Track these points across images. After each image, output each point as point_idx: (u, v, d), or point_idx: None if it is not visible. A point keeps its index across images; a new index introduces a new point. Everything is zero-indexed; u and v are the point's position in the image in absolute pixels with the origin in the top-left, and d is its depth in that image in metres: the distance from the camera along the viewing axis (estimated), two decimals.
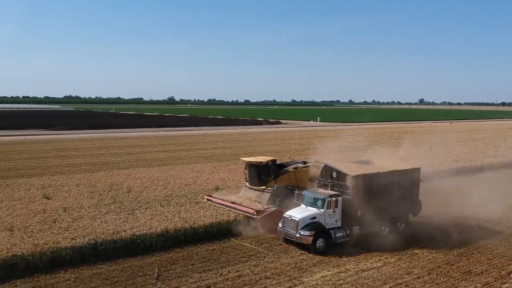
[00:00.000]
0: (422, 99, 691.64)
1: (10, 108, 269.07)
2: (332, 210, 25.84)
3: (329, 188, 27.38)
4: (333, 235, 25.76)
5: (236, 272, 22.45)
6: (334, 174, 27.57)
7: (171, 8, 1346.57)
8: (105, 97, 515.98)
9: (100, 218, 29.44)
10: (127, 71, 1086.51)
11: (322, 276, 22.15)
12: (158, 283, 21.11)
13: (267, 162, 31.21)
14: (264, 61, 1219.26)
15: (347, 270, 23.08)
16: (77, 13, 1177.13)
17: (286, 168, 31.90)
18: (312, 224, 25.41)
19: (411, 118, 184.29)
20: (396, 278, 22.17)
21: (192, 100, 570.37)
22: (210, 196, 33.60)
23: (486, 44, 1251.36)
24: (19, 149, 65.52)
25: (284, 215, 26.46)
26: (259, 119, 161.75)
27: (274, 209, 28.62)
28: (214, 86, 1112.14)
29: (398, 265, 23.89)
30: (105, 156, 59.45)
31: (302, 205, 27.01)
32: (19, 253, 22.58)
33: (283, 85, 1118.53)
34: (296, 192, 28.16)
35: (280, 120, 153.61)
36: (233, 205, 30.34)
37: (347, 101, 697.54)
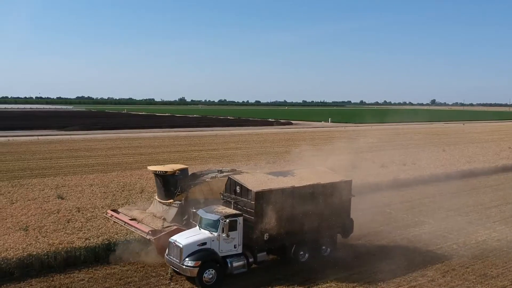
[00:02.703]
0: (434, 100, 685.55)
1: (24, 108, 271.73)
2: (225, 235, 21.05)
3: (232, 206, 22.86)
4: (229, 265, 21.23)
5: None
6: (238, 189, 23.02)
7: (182, 8, 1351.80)
8: (117, 98, 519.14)
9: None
10: (138, 72, 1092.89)
11: (336, 279, 22.05)
12: (172, 283, 21.19)
13: (174, 171, 25.94)
14: (275, 61, 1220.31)
15: (360, 272, 22.98)
16: (89, 15, 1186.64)
17: (202, 178, 26.74)
18: (200, 252, 20.69)
19: (423, 119, 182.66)
20: (410, 281, 22.01)
21: (203, 100, 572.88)
22: (115, 210, 28.19)
23: (499, 44, 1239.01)
24: (32, 149, 66.14)
25: (169, 240, 21.68)
26: (270, 119, 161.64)
27: (174, 228, 23.25)
28: (225, 87, 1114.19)
29: (411, 267, 23.66)
30: (117, 157, 59.79)
31: (197, 226, 22.32)
32: (34, 253, 22.79)
33: (294, 86, 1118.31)
34: (192, 210, 23.33)
35: (291, 121, 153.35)
36: (131, 223, 25.29)
37: (359, 102, 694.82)
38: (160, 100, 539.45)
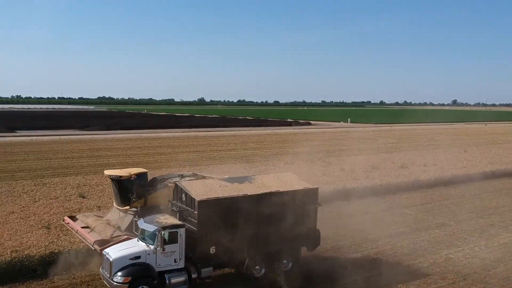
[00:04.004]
0: (455, 100, 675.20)
1: (46, 108, 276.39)
2: (161, 248, 19.21)
3: (177, 215, 21.19)
4: (167, 281, 19.37)
5: None
6: (183, 197, 21.12)
7: (203, 10, 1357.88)
8: (137, 98, 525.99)
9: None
10: (158, 72, 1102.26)
11: (354, 280, 21.91)
12: None
13: (130, 176, 24.34)
14: (294, 61, 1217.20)
15: (380, 274, 22.75)
16: (108, 17, 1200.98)
17: (164, 183, 24.74)
18: (132, 267, 18.94)
19: (444, 119, 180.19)
20: (430, 283, 21.76)
21: (222, 101, 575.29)
22: (73, 217, 26.79)
23: None
24: (55, 149, 67.20)
25: (103, 252, 20.12)
26: (288, 120, 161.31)
27: (125, 238, 21.87)
28: (244, 87, 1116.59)
29: (432, 269, 23.41)
30: (138, 156, 60.35)
31: (136, 238, 20.70)
32: (56, 251, 23.18)
33: (313, 86, 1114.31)
34: (134, 219, 21.89)
35: (310, 121, 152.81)
36: (81, 231, 23.99)
37: (378, 102, 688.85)
38: (180, 100, 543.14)
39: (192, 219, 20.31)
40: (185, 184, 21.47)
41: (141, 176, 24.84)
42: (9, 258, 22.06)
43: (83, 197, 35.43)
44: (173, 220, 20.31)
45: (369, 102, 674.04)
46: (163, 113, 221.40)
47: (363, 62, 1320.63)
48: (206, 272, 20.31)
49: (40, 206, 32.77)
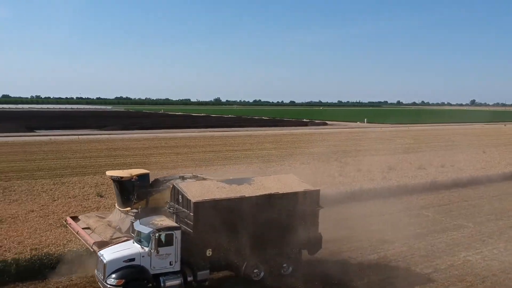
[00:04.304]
0: (474, 100, 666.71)
1: (65, 108, 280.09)
2: (155, 251, 18.99)
3: (174, 217, 21.02)
4: (162, 284, 19.17)
5: None
6: (180, 198, 20.87)
7: (218, 10, 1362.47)
8: (154, 98, 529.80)
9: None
10: (175, 73, 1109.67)
11: (369, 282, 21.81)
12: None
13: (131, 177, 24.32)
14: (310, 61, 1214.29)
15: (397, 275, 22.58)
16: (126, 18, 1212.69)
17: (166, 184, 24.38)
18: (125, 269, 18.76)
19: (462, 119, 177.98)
20: (448, 286, 21.55)
21: (238, 101, 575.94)
22: (75, 217, 26.65)
23: None
24: (73, 148, 68.08)
25: (98, 253, 20.01)
26: (304, 120, 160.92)
27: (124, 239, 21.62)
28: (260, 87, 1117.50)
29: (449, 272, 23.17)
30: (154, 156, 60.81)
31: (132, 240, 20.55)
32: (74, 249, 23.48)
33: (329, 86, 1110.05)
34: (131, 221, 21.84)
35: (326, 121, 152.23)
36: (81, 233, 23.94)
37: (395, 102, 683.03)
38: (196, 100, 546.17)
39: (188, 221, 19.99)
40: (181, 185, 21.21)
41: (143, 177, 24.71)
42: (29, 256, 22.43)
43: (101, 196, 35.86)
44: (168, 222, 20.05)
45: (386, 102, 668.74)
46: (179, 113, 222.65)
47: (381, 61, 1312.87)
48: (202, 275, 20.04)
49: (59, 205, 33.25)
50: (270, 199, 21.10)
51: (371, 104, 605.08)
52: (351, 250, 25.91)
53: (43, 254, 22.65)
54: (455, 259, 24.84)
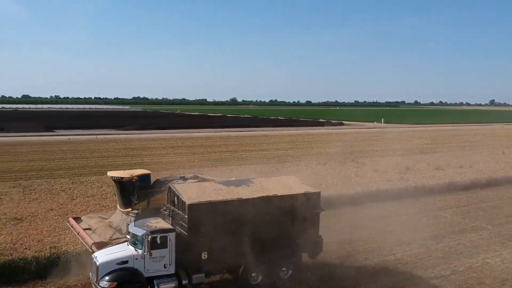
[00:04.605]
0: (493, 100, 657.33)
1: (83, 108, 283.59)
2: (148, 253, 18.71)
3: (169, 219, 20.69)
4: (156, 287, 18.95)
5: None
6: (176, 200, 20.45)
7: (234, 10, 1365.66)
8: (171, 98, 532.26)
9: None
10: (192, 73, 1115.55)
11: (385, 283, 21.67)
12: None
13: (132, 177, 24.14)
14: (326, 61, 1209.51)
15: (414, 277, 22.43)
16: (143, 19, 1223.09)
17: (168, 185, 23.44)
18: (118, 272, 18.48)
19: (481, 120, 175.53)
20: None
21: (254, 101, 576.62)
22: (78, 218, 26.79)
23: None
24: (91, 148, 68.91)
25: (92, 255, 19.85)
26: (321, 120, 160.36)
27: (123, 240, 21.25)
28: (276, 87, 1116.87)
29: (468, 274, 22.92)
30: (171, 156, 61.22)
31: (127, 242, 20.24)
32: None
33: (346, 86, 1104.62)
34: (127, 223, 21.57)
35: (343, 121, 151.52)
36: (82, 233, 23.93)
37: (413, 102, 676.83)
38: (212, 100, 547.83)
39: (183, 223, 19.59)
40: (177, 187, 20.81)
41: (143, 177, 24.50)
42: (48, 254, 22.80)
43: None
44: (163, 225, 19.75)
45: (403, 102, 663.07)
46: (196, 113, 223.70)
47: (398, 61, 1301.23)
48: (197, 278, 19.64)
49: (77, 204, 33.72)
50: (268, 201, 20.58)
51: (388, 104, 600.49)
52: (367, 251, 25.79)
53: (62, 253, 23.00)
54: (474, 262, 24.55)
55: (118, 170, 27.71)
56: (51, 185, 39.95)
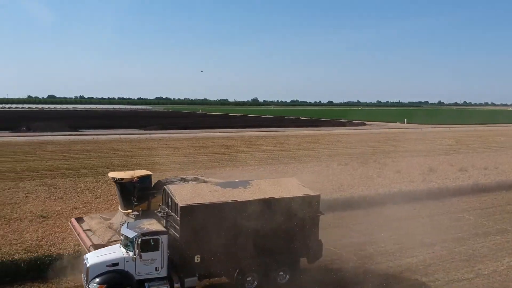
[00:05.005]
0: None
1: (107, 108, 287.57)
2: (138, 256, 18.37)
3: (164, 221, 20.37)
4: None
5: None
6: (170, 202, 20.13)
7: (254, 11, 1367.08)
8: (193, 99, 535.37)
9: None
10: (213, 73, 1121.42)
11: (407, 285, 21.50)
12: None
13: (132, 178, 24.01)
14: (348, 61, 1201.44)
15: (436, 279, 22.18)
16: (166, 20, 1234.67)
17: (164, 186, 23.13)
18: (108, 274, 18.18)
19: (507, 120, 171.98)
20: None
21: (275, 101, 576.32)
22: (80, 219, 27.02)
23: None
24: (115, 147, 69.92)
25: (83, 257, 19.62)
26: (342, 120, 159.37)
27: None
28: (297, 87, 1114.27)
29: (492, 277, 22.54)
30: (192, 156, 61.67)
31: (119, 244, 20.00)
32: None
33: (368, 86, 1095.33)
34: (121, 224, 21.41)
35: (365, 121, 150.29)
36: (82, 234, 23.89)
37: (436, 102, 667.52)
38: (234, 100, 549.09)
39: (176, 226, 19.26)
40: (172, 188, 20.40)
41: (144, 179, 24.31)
42: (72, 252, 23.22)
43: None
44: (155, 227, 19.42)
45: (426, 102, 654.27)
46: (217, 113, 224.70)
47: (421, 61, 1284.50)
48: (190, 282, 19.22)
49: (101, 202, 34.27)
50: (264, 203, 20.06)
51: (411, 104, 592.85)
52: (389, 253, 25.58)
53: (85, 251, 23.38)
54: (498, 265, 24.13)
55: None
56: (76, 184, 40.68)
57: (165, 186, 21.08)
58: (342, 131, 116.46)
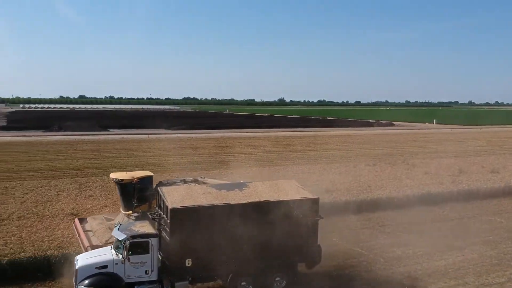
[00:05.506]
0: None
1: (136, 108, 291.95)
2: (126, 259, 18.12)
3: (156, 224, 19.95)
4: None
5: None
6: (162, 204, 19.78)
7: (281, 11, 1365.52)
8: (220, 99, 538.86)
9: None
10: (240, 73, 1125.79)
11: None
12: None
13: (132, 179, 23.75)
14: (376, 61, 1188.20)
15: (466, 283, 21.77)
16: (193, 21, 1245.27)
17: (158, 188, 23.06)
18: (97, 276, 17.95)
19: None
20: None
21: (302, 101, 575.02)
22: (83, 219, 27.18)
23: None
24: (144, 147, 70.93)
25: (75, 258, 19.38)
26: (370, 120, 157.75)
27: None
28: (324, 87, 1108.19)
29: None
30: (220, 155, 62.03)
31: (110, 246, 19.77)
32: None
33: (396, 85, 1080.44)
34: (115, 224, 21.34)
35: (393, 122, 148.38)
36: (82, 235, 23.89)
37: (467, 102, 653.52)
38: (260, 100, 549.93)
39: (167, 228, 18.82)
40: (164, 190, 20.05)
41: (145, 180, 24.06)
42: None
43: None
44: (146, 229, 19.12)
45: (456, 103, 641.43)
46: (244, 113, 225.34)
47: (451, 60, 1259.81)
48: (180, 286, 18.84)
49: None
50: (258, 206, 19.43)
51: (440, 104, 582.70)
52: (417, 256, 25.22)
53: None
54: None
55: (121, 172, 27.55)
56: (105, 183, 41.39)
57: (158, 188, 20.77)
58: (370, 131, 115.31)
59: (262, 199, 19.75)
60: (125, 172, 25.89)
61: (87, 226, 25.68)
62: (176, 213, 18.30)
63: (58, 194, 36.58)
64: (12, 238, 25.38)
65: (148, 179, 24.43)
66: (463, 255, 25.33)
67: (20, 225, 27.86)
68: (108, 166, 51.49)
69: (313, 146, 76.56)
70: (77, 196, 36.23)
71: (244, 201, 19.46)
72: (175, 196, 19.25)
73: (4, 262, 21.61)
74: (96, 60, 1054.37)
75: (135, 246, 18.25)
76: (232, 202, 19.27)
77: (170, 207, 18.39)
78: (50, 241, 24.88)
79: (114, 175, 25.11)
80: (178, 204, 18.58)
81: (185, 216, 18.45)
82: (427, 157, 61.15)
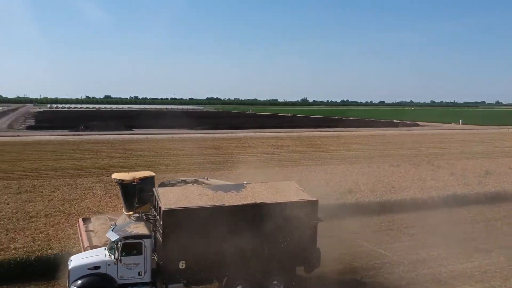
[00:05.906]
0: None
1: (160, 108, 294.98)
2: (118, 260, 17.96)
3: (151, 225, 19.76)
4: None
5: None
6: (156, 205, 19.50)
7: (304, 10, 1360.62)
8: (243, 99, 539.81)
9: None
10: (263, 73, 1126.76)
11: None
12: None
13: (133, 180, 23.50)
14: (400, 60, 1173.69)
15: (492, 287, 21.37)
16: (216, 23, 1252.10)
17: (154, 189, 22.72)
18: (89, 277, 17.82)
19: None
20: None
21: (325, 101, 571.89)
22: (87, 219, 27.09)
23: None
24: (167, 147, 71.56)
25: (69, 259, 19.29)
26: (394, 120, 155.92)
27: None
28: (347, 87, 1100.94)
29: None
30: (242, 155, 62.05)
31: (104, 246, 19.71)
32: None
33: (421, 85, 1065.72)
34: (111, 225, 21.04)
35: (418, 122, 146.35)
36: (83, 235, 23.82)
37: (494, 102, 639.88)
38: (283, 100, 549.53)
39: (160, 230, 18.57)
40: (159, 191, 19.92)
41: (146, 180, 23.85)
42: None
43: None
44: (140, 230, 18.98)
45: (483, 103, 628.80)
46: (266, 113, 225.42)
47: (478, 59, 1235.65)
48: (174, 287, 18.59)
49: None
50: (254, 208, 19.07)
51: (467, 104, 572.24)
52: (441, 258, 24.86)
53: None
54: None
55: (123, 172, 27.52)
56: None
57: (154, 189, 20.71)
58: (394, 131, 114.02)
59: (258, 201, 19.39)
60: (127, 172, 25.88)
61: (90, 226, 25.76)
62: (169, 214, 18.06)
63: (84, 193, 37.23)
64: (40, 235, 25.95)
65: (150, 179, 24.24)
66: (489, 258, 24.86)
67: (47, 223, 28.45)
68: (133, 165, 52.04)
69: (336, 146, 76.09)
70: (102, 194, 36.79)
71: (239, 203, 19.16)
72: (170, 197, 19.09)
73: (32, 258, 22.14)
74: (122, 61, 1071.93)
75: (128, 247, 18.18)
76: (227, 204, 18.97)
77: (163, 208, 18.21)
78: (76, 239, 25.25)
79: (115, 175, 24.98)
80: (171, 205, 18.37)
81: (178, 218, 18.17)
82: (452, 158, 60.17)
